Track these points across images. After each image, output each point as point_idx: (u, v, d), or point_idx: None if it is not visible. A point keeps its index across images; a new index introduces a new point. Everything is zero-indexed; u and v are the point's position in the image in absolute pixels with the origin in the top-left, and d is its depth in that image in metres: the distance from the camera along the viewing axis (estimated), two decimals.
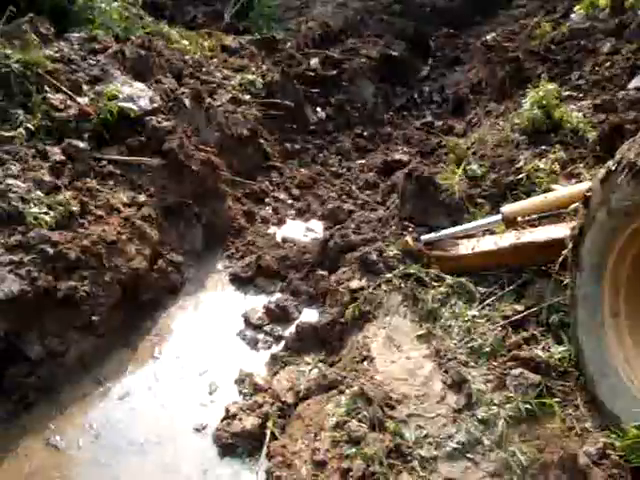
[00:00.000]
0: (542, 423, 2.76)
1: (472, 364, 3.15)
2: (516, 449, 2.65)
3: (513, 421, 2.78)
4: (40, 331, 3.67)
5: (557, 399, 2.83)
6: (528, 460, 2.58)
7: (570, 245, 2.83)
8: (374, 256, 3.97)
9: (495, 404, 2.88)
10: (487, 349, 3.19)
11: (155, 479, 3.18)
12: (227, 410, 3.46)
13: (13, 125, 4.46)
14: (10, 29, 5.15)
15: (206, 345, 4.09)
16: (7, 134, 4.34)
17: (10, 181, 4.02)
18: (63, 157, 4.51)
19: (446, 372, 3.12)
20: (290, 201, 5.96)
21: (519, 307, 3.39)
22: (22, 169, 4.21)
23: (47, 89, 4.84)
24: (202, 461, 3.23)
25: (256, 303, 4.48)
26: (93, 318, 3.83)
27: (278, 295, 4.54)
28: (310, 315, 4.26)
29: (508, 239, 3.69)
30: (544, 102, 4.86)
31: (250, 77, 6.96)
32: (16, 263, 3.61)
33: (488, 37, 8.10)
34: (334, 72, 7.96)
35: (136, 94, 5.27)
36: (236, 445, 3.27)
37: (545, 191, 3.94)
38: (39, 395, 3.52)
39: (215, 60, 7.40)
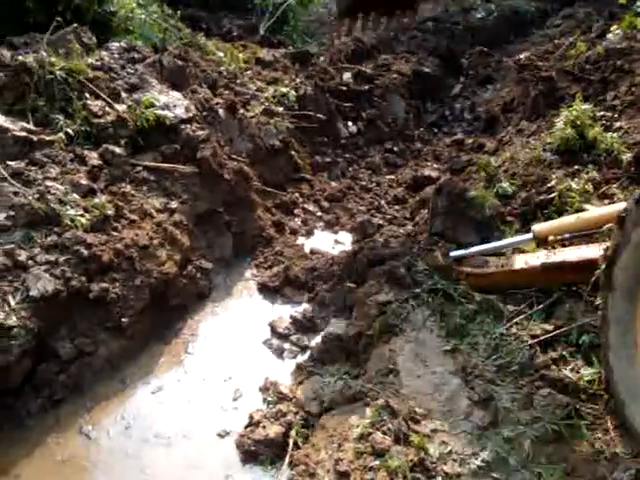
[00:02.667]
0: (570, 446, 2.71)
1: (499, 382, 3.12)
2: (542, 471, 2.62)
3: (540, 442, 2.75)
4: (71, 330, 3.75)
5: (586, 422, 2.78)
6: None
7: (603, 266, 2.80)
8: (402, 270, 3.97)
9: (522, 423, 2.85)
10: (515, 367, 3.16)
11: (179, 473, 3.24)
12: (251, 417, 3.48)
13: (54, 130, 4.60)
14: (56, 39, 5.34)
15: (232, 352, 4.13)
16: (48, 138, 4.48)
17: (49, 183, 4.14)
18: (100, 162, 4.64)
19: (472, 389, 3.10)
20: (319, 213, 6.00)
21: (548, 327, 3.36)
22: (61, 172, 4.33)
23: (87, 96, 4.98)
24: (225, 465, 3.26)
25: (283, 312, 4.51)
26: (123, 320, 3.90)
27: (305, 305, 4.57)
28: (337, 326, 4.25)
29: (538, 258, 3.66)
30: (578, 122, 4.83)
31: (283, 89, 7.04)
32: (51, 263, 3.71)
33: (522, 56, 8.09)
34: (366, 87, 8.02)
35: (172, 103, 5.38)
36: (259, 452, 3.28)
37: (577, 211, 3.90)
38: (67, 393, 3.59)
39: (249, 72, 7.52)
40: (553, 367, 3.09)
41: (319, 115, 7.11)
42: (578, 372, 3.01)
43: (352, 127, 7.63)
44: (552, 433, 2.74)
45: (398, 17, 5.31)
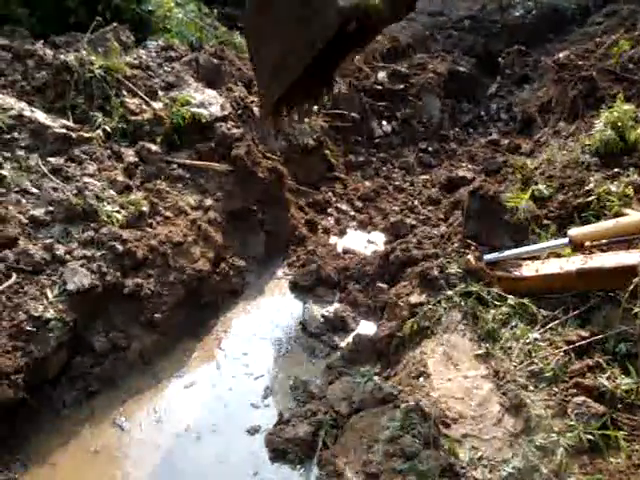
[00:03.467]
0: (605, 456, 2.64)
1: (532, 388, 3.06)
2: None
3: (573, 451, 2.68)
4: (105, 324, 3.84)
5: (623, 432, 2.69)
6: None
7: None
8: (435, 272, 3.93)
9: (555, 431, 2.78)
10: (548, 374, 3.09)
11: (208, 468, 3.29)
12: (281, 415, 3.50)
13: (92, 127, 4.70)
14: (96, 38, 5.46)
15: (263, 350, 4.16)
16: (86, 135, 4.58)
17: (87, 179, 4.24)
18: (136, 159, 4.72)
19: (504, 394, 3.05)
20: (352, 213, 5.99)
21: (584, 333, 3.27)
22: (98, 169, 4.43)
23: (125, 93, 5.08)
24: (253, 463, 3.29)
25: (315, 312, 4.52)
26: (156, 315, 3.96)
27: (337, 305, 4.57)
28: (368, 327, 4.26)
29: (574, 263, 3.58)
30: (618, 123, 4.70)
31: None
32: (88, 258, 3.79)
33: (561, 55, 7.90)
34: (401, 86, 7.96)
35: (207, 101, 5.44)
36: (288, 451, 3.29)
37: (616, 215, 3.80)
38: (102, 386, 3.66)
39: None
40: (588, 375, 3.00)
41: (353, 114, 7.10)
42: (615, 381, 2.92)
43: (386, 126, 7.59)
44: (587, 443, 2.67)
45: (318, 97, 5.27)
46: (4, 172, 3.99)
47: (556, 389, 3.01)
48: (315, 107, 5.70)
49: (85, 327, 3.73)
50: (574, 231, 3.57)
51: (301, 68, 3.80)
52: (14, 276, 3.48)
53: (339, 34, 3.80)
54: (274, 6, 3.75)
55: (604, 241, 3.49)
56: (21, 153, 4.22)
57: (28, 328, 3.32)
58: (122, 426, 3.51)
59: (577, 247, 3.53)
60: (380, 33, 4.74)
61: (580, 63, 7.00)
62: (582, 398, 2.86)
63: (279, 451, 3.30)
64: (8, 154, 4.17)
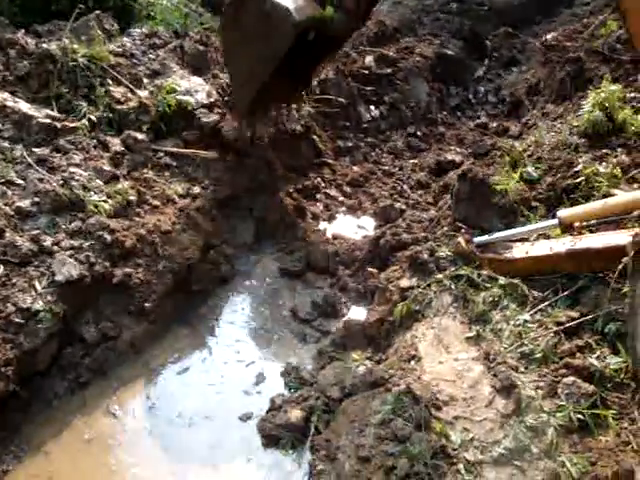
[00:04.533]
0: (595, 435, 2.67)
1: (522, 369, 3.09)
2: (566, 460, 2.59)
3: (564, 430, 2.72)
4: (95, 314, 3.83)
5: (612, 411, 2.72)
6: (579, 472, 2.52)
7: (632, 252, 2.73)
8: (425, 256, 3.93)
9: (545, 412, 2.81)
10: (538, 355, 3.11)
11: (202, 454, 3.31)
12: (273, 401, 3.51)
13: (77, 116, 4.65)
14: (78, 26, 5.37)
15: (254, 336, 4.17)
16: (71, 125, 4.53)
17: (73, 169, 4.19)
18: (122, 148, 4.68)
19: (495, 376, 3.06)
20: (341, 198, 5.96)
21: (573, 314, 3.29)
22: (84, 158, 4.38)
23: (109, 82, 5.02)
24: (246, 448, 3.31)
25: (305, 298, 4.53)
26: (146, 305, 3.95)
27: (327, 290, 4.57)
28: (358, 312, 4.27)
29: (564, 244, 3.59)
30: (606, 104, 4.70)
31: None
32: (76, 248, 3.76)
33: (548, 36, 7.88)
34: (388, 70, 7.90)
35: (193, 88, 5.39)
36: (280, 436, 3.32)
37: (605, 196, 3.81)
38: (93, 376, 3.66)
39: None
40: (578, 355, 3.03)
41: (341, 99, 7.04)
42: (604, 360, 2.94)
43: (374, 111, 7.54)
44: (577, 422, 2.70)
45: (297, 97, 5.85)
46: None
47: (546, 370, 3.04)
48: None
49: (75, 318, 3.71)
50: (563, 212, 3.58)
51: (267, 75, 4.57)
52: (1, 268, 3.45)
53: (302, 43, 4.49)
54: (242, 22, 4.56)
55: (593, 222, 3.50)
56: (5, 144, 4.17)
57: (17, 320, 3.30)
58: (115, 414, 3.51)
59: (566, 228, 3.54)
60: (344, 41, 5.31)
61: (568, 44, 7.00)
62: (572, 378, 2.89)
63: (272, 437, 3.32)
64: None
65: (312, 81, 5.96)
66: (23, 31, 5.21)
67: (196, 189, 4.77)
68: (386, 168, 6.53)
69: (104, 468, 3.20)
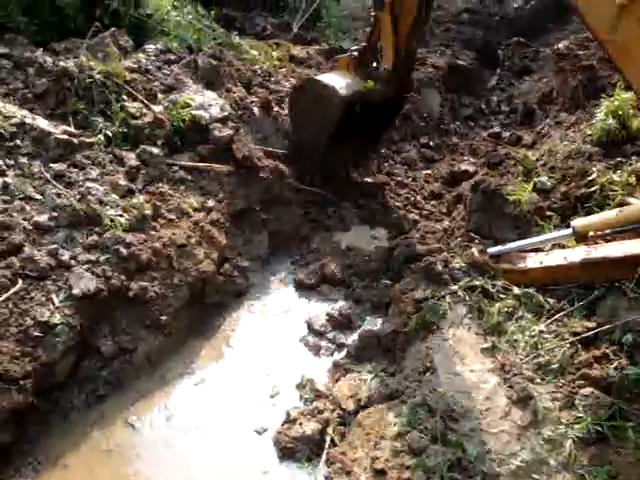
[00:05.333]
0: (614, 447, 2.65)
1: (538, 380, 3.07)
2: (585, 472, 2.57)
3: (582, 443, 2.70)
4: (112, 328, 3.85)
5: (631, 423, 2.69)
6: None
7: None
8: (439, 267, 3.93)
9: (563, 423, 2.79)
10: (555, 366, 3.10)
11: (218, 464, 3.31)
12: (288, 414, 3.51)
13: (93, 132, 4.72)
14: (95, 43, 5.47)
15: (269, 349, 4.17)
16: (88, 140, 4.60)
17: (89, 184, 4.25)
18: (138, 162, 4.73)
19: (511, 387, 3.05)
20: (355, 210, 5.97)
21: (590, 324, 3.27)
22: (100, 173, 4.44)
23: (125, 98, 5.09)
24: (262, 461, 3.31)
25: (319, 310, 4.53)
26: (161, 318, 3.97)
27: (341, 303, 4.58)
28: (373, 324, 4.27)
29: (579, 254, 3.57)
30: (619, 112, 4.68)
31: None
32: (93, 262, 3.80)
33: (560, 45, 7.85)
34: None
35: (207, 102, 5.45)
36: (296, 449, 3.31)
37: (620, 205, 3.79)
38: (110, 389, 3.68)
39: (283, 70, 7.54)
40: (596, 366, 3.00)
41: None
42: (622, 371, 2.92)
43: None
44: (595, 434, 2.68)
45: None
46: (8, 179, 4.01)
47: (563, 381, 3.02)
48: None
49: (92, 331, 3.74)
50: (578, 222, 3.56)
51: (324, 142, 5.64)
52: (20, 282, 3.49)
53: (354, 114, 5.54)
54: (303, 102, 5.73)
55: (608, 231, 3.47)
56: (24, 160, 4.24)
57: (35, 333, 3.34)
58: (134, 425, 3.53)
59: (581, 238, 3.53)
60: (399, 107, 6.37)
61: (580, 53, 6.96)
62: (590, 389, 2.87)
63: (287, 450, 3.31)
64: (11, 161, 4.20)
65: (380, 145, 6.86)
66: (41, 49, 5.32)
67: (211, 202, 4.81)
68: (399, 179, 6.54)
69: (122, 479, 3.21)
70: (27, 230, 3.79)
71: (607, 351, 3.07)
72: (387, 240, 5.36)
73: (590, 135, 4.81)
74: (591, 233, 3.48)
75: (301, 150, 5.94)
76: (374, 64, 5.98)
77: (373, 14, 5.85)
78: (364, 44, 6.03)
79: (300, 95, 5.82)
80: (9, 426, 3.13)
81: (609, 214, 3.54)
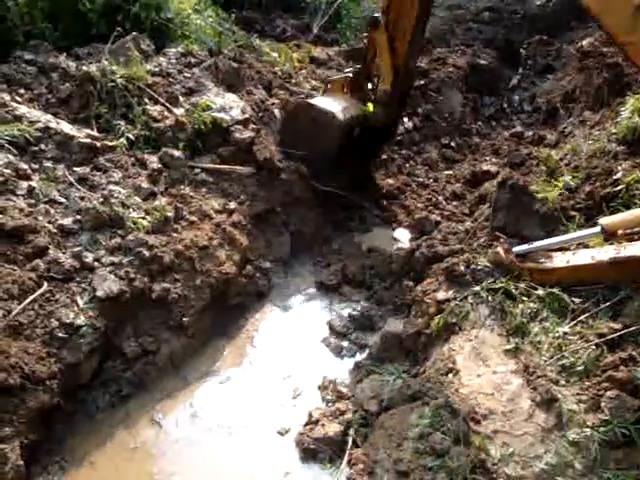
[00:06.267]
0: None
1: (563, 383, 3.02)
2: (611, 476, 2.52)
3: (608, 446, 2.64)
4: (135, 329, 3.88)
5: None
6: None
7: None
8: (461, 267, 3.90)
9: (588, 426, 2.74)
10: (580, 368, 3.04)
11: (240, 463, 3.33)
12: (310, 415, 3.52)
13: (116, 135, 4.77)
14: (116, 47, 5.54)
15: (291, 350, 4.18)
16: (111, 144, 4.65)
17: (112, 187, 4.30)
18: (160, 165, 4.78)
19: (534, 389, 3.00)
20: (376, 211, 5.96)
21: (616, 325, 3.20)
22: (123, 176, 4.49)
23: (147, 101, 5.14)
24: (284, 462, 3.31)
25: (341, 311, 4.54)
26: (184, 319, 4.00)
27: (363, 304, 4.57)
28: (395, 325, 4.25)
29: (607, 253, 3.50)
30: None
31: None
32: (116, 264, 3.84)
33: (584, 42, 7.76)
34: (421, 82, 7.91)
35: (228, 105, 5.48)
36: (318, 450, 3.31)
37: None
38: (134, 389, 3.71)
39: (304, 71, 7.57)
40: (622, 368, 2.94)
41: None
42: None
43: (408, 123, 7.54)
44: (621, 437, 2.62)
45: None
46: (33, 183, 4.07)
47: (588, 383, 2.96)
48: None
49: (115, 332, 3.78)
50: (606, 220, 3.48)
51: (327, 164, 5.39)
52: (45, 284, 3.55)
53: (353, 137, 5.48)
54: (297, 129, 5.41)
55: (637, 229, 3.40)
56: (48, 164, 4.31)
57: (60, 335, 3.38)
58: (160, 422, 3.57)
59: (609, 236, 3.45)
60: (394, 127, 6.16)
61: (605, 50, 6.87)
62: (615, 392, 2.81)
63: (309, 451, 3.31)
64: (36, 166, 4.27)
65: (379, 157, 6.68)
66: (65, 55, 5.41)
67: (232, 204, 4.84)
68: (421, 180, 6.52)
69: (148, 477, 3.25)
70: (52, 233, 3.85)
71: (633, 353, 3.00)
72: (408, 241, 5.33)
73: (615, 134, 4.73)
74: (620, 231, 3.41)
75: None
76: (369, 85, 5.85)
77: (367, 35, 5.75)
78: (358, 65, 5.92)
79: (294, 121, 5.52)
80: (36, 425, 3.17)
81: (638, 211, 3.47)
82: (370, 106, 5.58)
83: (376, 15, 5.52)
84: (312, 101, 5.59)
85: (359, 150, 5.86)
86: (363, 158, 6.21)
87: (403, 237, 5.50)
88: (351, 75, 5.78)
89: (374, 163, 6.58)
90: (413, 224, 5.50)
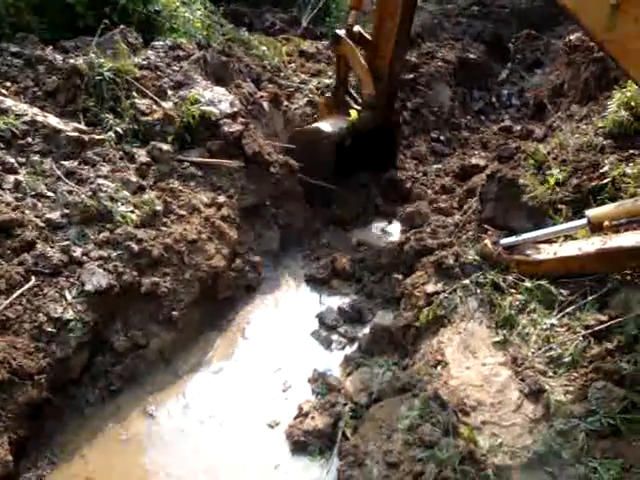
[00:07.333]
0: (627, 440, 2.61)
1: (550, 374, 3.04)
2: (598, 465, 2.54)
3: (595, 436, 2.66)
4: (124, 323, 3.87)
5: None
6: (611, 478, 2.47)
7: None
8: (450, 261, 3.91)
9: (575, 416, 2.76)
10: (567, 359, 3.06)
11: (232, 453, 3.34)
12: (300, 408, 3.53)
13: (104, 129, 4.74)
14: (104, 40, 5.50)
15: (281, 343, 4.19)
16: (98, 137, 4.62)
17: (100, 181, 4.27)
18: (148, 159, 4.75)
19: (523, 380, 3.03)
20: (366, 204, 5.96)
21: (602, 317, 3.23)
22: (111, 170, 4.46)
23: (135, 94, 5.11)
24: (274, 454, 3.32)
25: (331, 304, 4.55)
26: (173, 313, 3.99)
27: (353, 297, 4.58)
28: (384, 318, 4.26)
29: (593, 244, 3.53)
30: (632, 103, 4.62)
31: (327, 81, 7.04)
32: (105, 258, 3.83)
33: (572, 37, 7.80)
34: (411, 76, 7.92)
35: (217, 98, 5.45)
36: (308, 443, 3.32)
37: (632, 196, 3.75)
38: (124, 384, 3.71)
39: (293, 65, 7.55)
40: (608, 359, 2.98)
41: None
42: (635, 364, 2.89)
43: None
44: (608, 427, 2.65)
45: None
46: (19, 177, 4.04)
47: (575, 374, 2.99)
48: None
49: (104, 327, 3.77)
50: (592, 212, 3.50)
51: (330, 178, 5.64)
52: (33, 279, 3.53)
53: (345, 148, 5.64)
54: (298, 152, 5.57)
55: (623, 220, 3.43)
56: (35, 158, 4.27)
57: (49, 329, 3.37)
58: (152, 414, 3.58)
59: (595, 228, 3.48)
60: (396, 127, 6.39)
61: (592, 45, 6.90)
62: (602, 382, 2.84)
63: (299, 443, 3.32)
64: (23, 159, 4.23)
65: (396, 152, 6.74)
66: (51, 47, 5.36)
67: (221, 198, 4.82)
68: (410, 173, 6.52)
69: (139, 468, 3.25)
70: (39, 227, 3.82)
71: (620, 344, 3.04)
72: (398, 235, 5.35)
73: (602, 127, 4.75)
74: (606, 223, 3.44)
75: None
76: (351, 97, 6.10)
77: (333, 52, 6.00)
78: (334, 83, 6.17)
79: (296, 150, 5.69)
80: (25, 421, 3.15)
81: (624, 203, 3.49)
82: (354, 114, 5.76)
83: (336, 31, 5.87)
84: (302, 128, 6.03)
85: (367, 154, 6.07)
86: (377, 158, 6.36)
87: (393, 230, 5.52)
88: (329, 94, 6.10)
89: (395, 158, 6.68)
90: (403, 218, 5.51)
